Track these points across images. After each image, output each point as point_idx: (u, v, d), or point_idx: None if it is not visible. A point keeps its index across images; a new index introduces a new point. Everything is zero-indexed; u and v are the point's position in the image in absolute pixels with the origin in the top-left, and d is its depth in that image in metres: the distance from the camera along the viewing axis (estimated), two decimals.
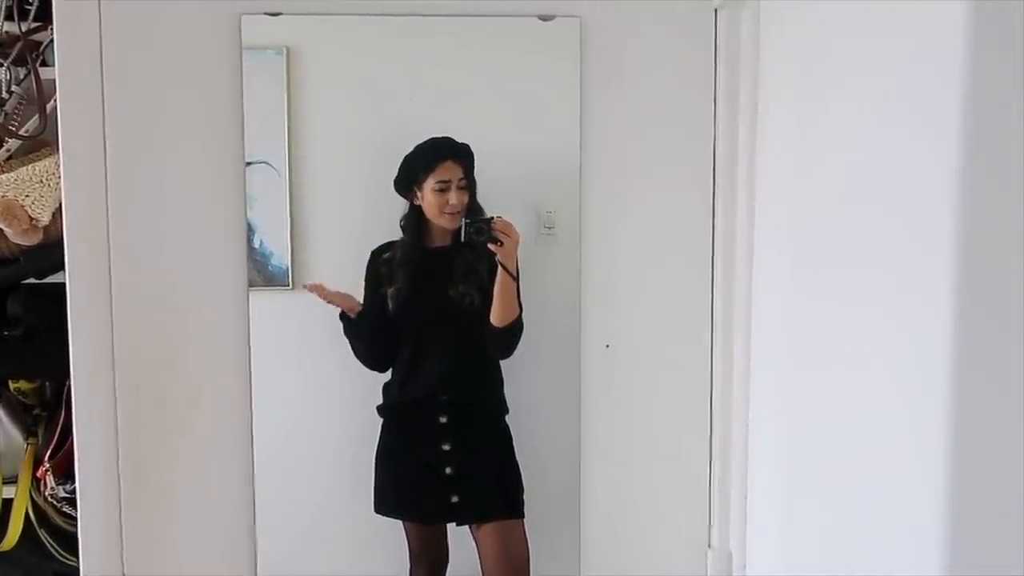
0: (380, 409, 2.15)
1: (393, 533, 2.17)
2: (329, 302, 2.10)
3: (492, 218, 2.06)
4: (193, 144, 2.08)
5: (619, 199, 2.16)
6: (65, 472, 2.31)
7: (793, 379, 1.94)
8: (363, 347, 2.13)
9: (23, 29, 2.25)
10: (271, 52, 2.07)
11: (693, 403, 2.22)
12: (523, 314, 2.12)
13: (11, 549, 2.38)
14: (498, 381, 2.17)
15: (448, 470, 2.14)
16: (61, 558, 2.44)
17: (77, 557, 2.19)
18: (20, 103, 2.32)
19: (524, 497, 2.17)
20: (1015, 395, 1.25)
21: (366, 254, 2.13)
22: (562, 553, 2.22)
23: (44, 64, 2.28)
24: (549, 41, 2.13)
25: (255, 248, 2.09)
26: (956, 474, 1.33)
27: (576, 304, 2.17)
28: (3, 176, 2.20)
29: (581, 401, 2.20)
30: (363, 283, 2.14)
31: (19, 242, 2.20)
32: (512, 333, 2.12)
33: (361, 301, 2.12)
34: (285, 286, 2.11)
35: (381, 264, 2.13)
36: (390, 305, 2.11)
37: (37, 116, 2.27)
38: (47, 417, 2.49)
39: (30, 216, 2.16)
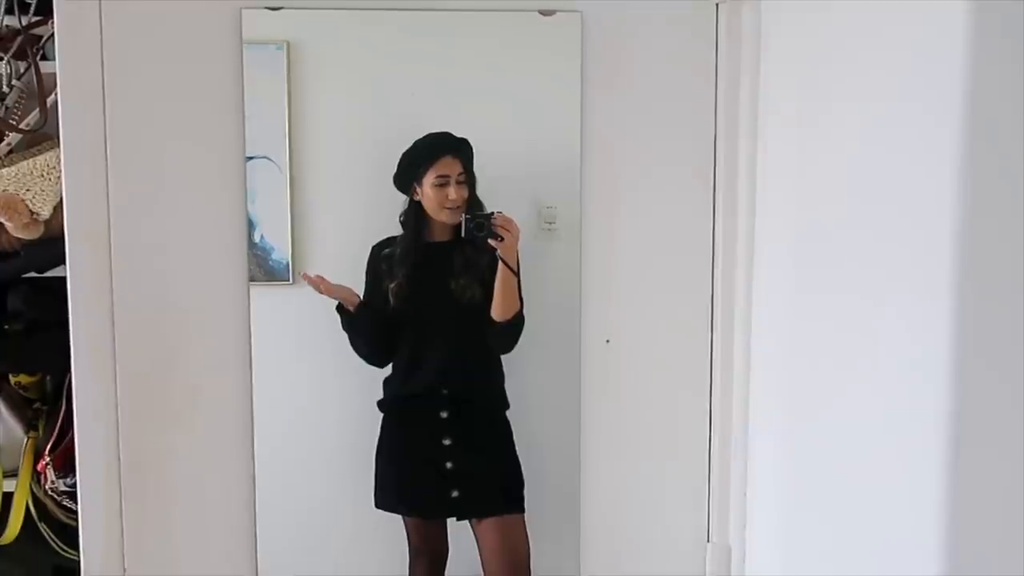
0: (381, 404, 2.16)
1: (393, 528, 2.18)
2: (328, 295, 2.11)
3: (492, 213, 2.07)
4: (194, 139, 2.08)
5: (620, 194, 2.17)
6: (65, 466, 2.31)
7: (793, 374, 1.94)
8: (362, 342, 2.14)
9: (23, 23, 2.25)
10: (271, 47, 2.08)
11: (693, 398, 2.23)
12: (524, 309, 2.12)
13: (11, 542, 2.38)
14: (499, 376, 2.18)
15: (448, 465, 2.14)
16: (61, 551, 2.44)
17: (77, 550, 2.19)
18: (21, 97, 2.32)
19: (524, 492, 2.17)
20: (1016, 392, 1.26)
21: (367, 249, 2.14)
22: (562, 547, 2.23)
23: (44, 58, 2.28)
24: (550, 36, 2.13)
25: (255, 243, 2.10)
26: (955, 471, 1.34)
27: (576, 300, 2.18)
28: (4, 170, 2.19)
29: (581, 396, 2.21)
30: (363, 278, 2.14)
31: (20, 236, 2.20)
32: (513, 328, 2.12)
33: (361, 295, 2.13)
34: (286, 281, 2.12)
35: (381, 260, 2.13)
36: (391, 300, 2.12)
37: (38, 110, 2.26)
38: (47, 411, 2.49)
39: (31, 210, 2.16)
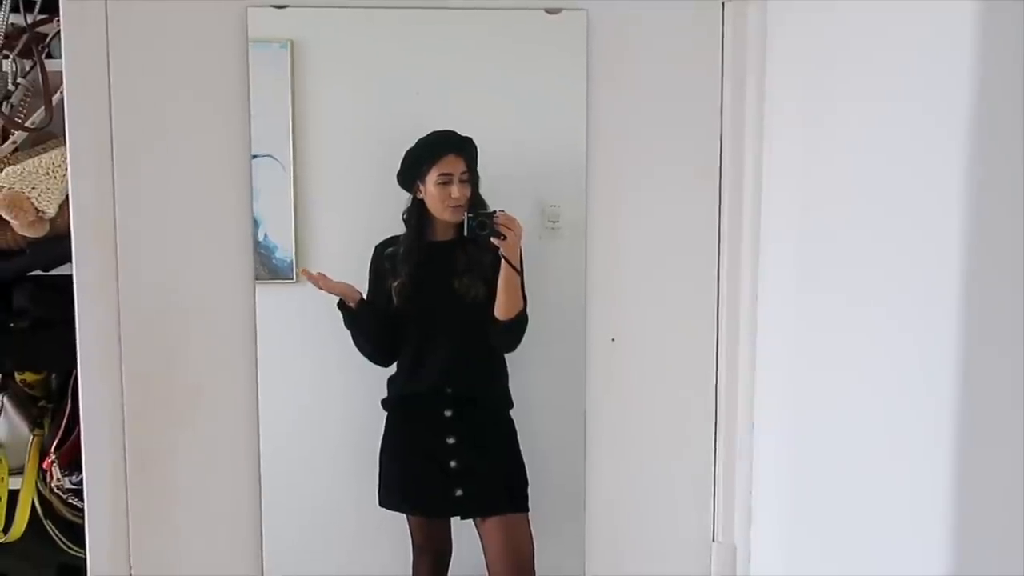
0: (385, 403, 2.17)
1: (397, 526, 2.18)
2: (328, 292, 2.11)
3: (495, 212, 2.07)
4: (199, 137, 2.09)
5: (625, 193, 2.17)
6: (71, 463, 2.32)
7: (798, 374, 1.95)
8: (364, 340, 2.15)
9: (29, 21, 2.26)
10: (275, 45, 2.08)
11: (698, 397, 2.23)
12: (527, 308, 2.12)
13: (17, 540, 2.39)
14: (503, 375, 2.18)
15: (452, 464, 2.15)
16: (67, 549, 2.44)
17: (83, 548, 2.20)
18: (26, 95, 2.32)
19: (529, 491, 2.17)
20: (1019, 393, 1.26)
21: (370, 248, 2.14)
22: (567, 546, 2.24)
23: (50, 56, 2.28)
24: (555, 34, 2.13)
25: (259, 241, 2.10)
26: (959, 471, 1.34)
27: (581, 298, 2.18)
28: (9, 168, 2.20)
29: (586, 395, 2.21)
30: (367, 277, 2.15)
31: (25, 234, 2.20)
32: (516, 326, 2.12)
33: (363, 293, 2.13)
34: (289, 279, 2.12)
35: (385, 259, 2.14)
36: (394, 299, 2.12)
37: (43, 108, 2.26)
38: (53, 409, 2.49)
39: (36, 208, 2.16)
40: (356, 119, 2.15)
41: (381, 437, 2.17)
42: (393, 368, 2.17)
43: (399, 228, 2.14)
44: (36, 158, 2.24)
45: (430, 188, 2.10)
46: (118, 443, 2.11)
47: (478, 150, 2.11)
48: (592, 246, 2.17)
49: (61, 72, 2.08)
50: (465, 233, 2.07)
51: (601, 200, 2.17)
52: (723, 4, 2.14)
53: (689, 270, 2.20)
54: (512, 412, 2.19)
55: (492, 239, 2.06)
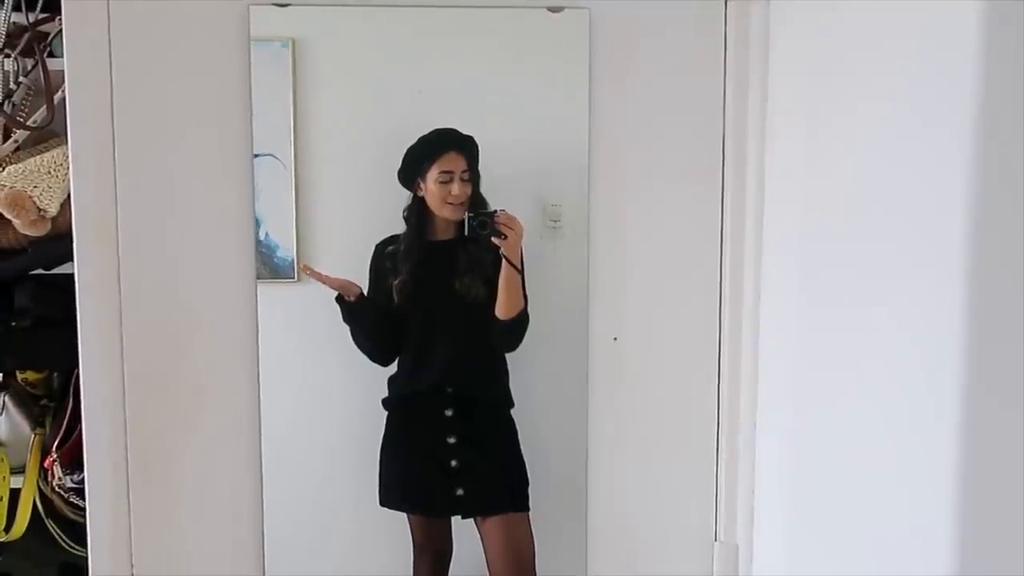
0: (385, 402, 2.17)
1: (398, 525, 2.19)
2: (329, 286, 2.12)
3: (495, 212, 2.08)
4: (201, 136, 2.10)
5: (627, 192, 2.18)
6: (72, 462, 2.33)
7: (801, 373, 1.95)
8: (364, 337, 2.15)
9: (31, 20, 2.26)
10: (277, 44, 2.09)
11: (701, 396, 2.24)
12: (529, 307, 2.13)
13: (19, 539, 2.39)
14: (504, 374, 2.18)
15: (453, 463, 2.15)
16: (68, 548, 2.44)
17: (84, 547, 2.21)
18: (28, 94, 2.33)
19: (530, 490, 2.18)
20: (1021, 393, 1.26)
21: (371, 247, 2.15)
22: (569, 546, 2.24)
23: (51, 55, 2.28)
24: (558, 33, 2.14)
25: (260, 240, 2.11)
26: (962, 472, 1.35)
27: (582, 297, 2.19)
28: (11, 167, 2.20)
29: (589, 394, 2.22)
30: (367, 276, 2.16)
31: (27, 233, 2.21)
32: (517, 326, 2.13)
33: (363, 288, 2.14)
34: (290, 278, 2.13)
35: (385, 257, 2.15)
36: (394, 298, 2.13)
37: (45, 107, 2.27)
38: (54, 408, 2.50)
39: (38, 207, 2.16)
40: (357, 118, 2.15)
41: (382, 436, 2.18)
42: (394, 367, 2.18)
43: (400, 227, 2.15)
44: (38, 157, 2.24)
45: (430, 186, 2.11)
46: (119, 442, 2.12)
47: (479, 149, 2.12)
48: (594, 245, 2.18)
49: (63, 71, 2.09)
50: (466, 232, 2.08)
51: (603, 199, 2.17)
52: (725, 3, 2.14)
53: (691, 269, 2.21)
54: (514, 412, 2.19)
55: (493, 238, 2.07)
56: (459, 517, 2.18)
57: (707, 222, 2.20)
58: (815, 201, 1.87)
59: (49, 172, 2.20)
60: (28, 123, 2.31)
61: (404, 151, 2.11)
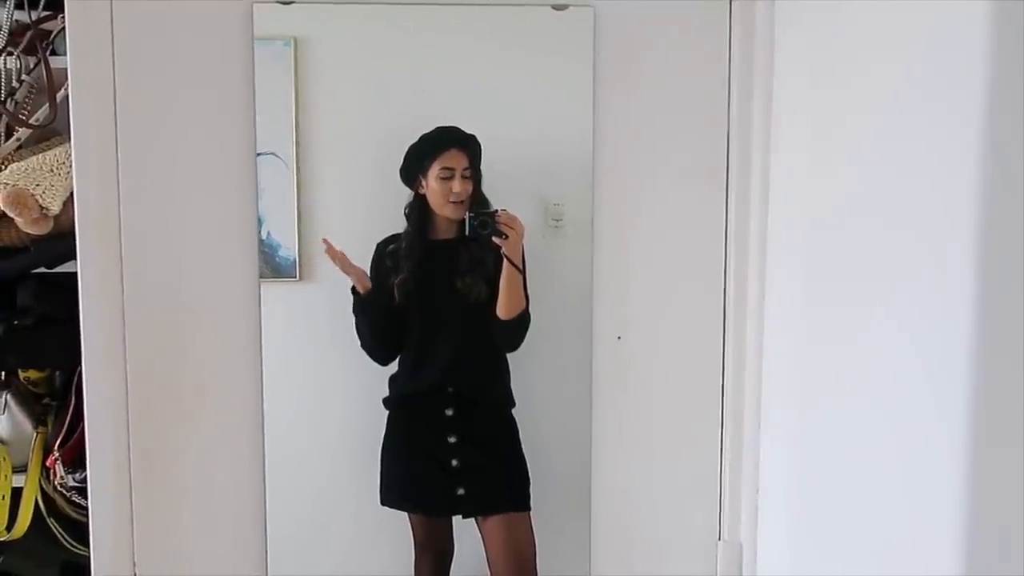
0: (386, 401, 2.18)
1: (399, 525, 2.20)
2: (345, 272, 2.13)
3: (496, 211, 2.09)
4: (205, 135, 2.11)
5: (632, 190, 2.18)
6: (74, 461, 2.33)
7: (805, 371, 1.96)
8: (367, 331, 2.16)
9: (33, 18, 2.27)
10: (279, 43, 2.10)
11: (705, 395, 2.25)
12: (531, 306, 2.14)
13: (21, 538, 2.40)
14: (505, 374, 2.19)
15: (454, 462, 2.17)
16: (70, 547, 2.45)
17: (86, 546, 2.23)
18: (30, 92, 2.33)
19: (533, 490, 2.19)
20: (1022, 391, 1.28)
21: (374, 246, 2.16)
22: (572, 544, 2.25)
23: (54, 53, 2.29)
24: (562, 31, 2.15)
25: (262, 240, 2.13)
26: (965, 471, 1.35)
27: (584, 296, 2.20)
28: (14, 165, 2.20)
29: (592, 393, 2.23)
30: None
31: (29, 231, 2.19)
32: (519, 325, 2.14)
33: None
34: (292, 278, 2.14)
35: (386, 256, 2.16)
36: (396, 296, 2.14)
37: (47, 105, 2.28)
38: (56, 406, 2.50)
39: (40, 205, 2.15)
40: (360, 117, 2.16)
41: (383, 436, 2.19)
42: (395, 367, 2.19)
43: (402, 226, 2.16)
44: (40, 155, 2.25)
45: (432, 183, 2.12)
46: (122, 441, 2.14)
47: (482, 147, 2.13)
48: (598, 244, 2.19)
49: (65, 69, 2.10)
50: (467, 232, 2.09)
51: (607, 197, 2.18)
52: (730, 2, 2.15)
53: (696, 268, 2.22)
54: (518, 411, 2.20)
55: (494, 238, 2.08)
56: (460, 517, 2.19)
57: (711, 221, 2.21)
58: (819, 200, 1.88)
59: (52, 170, 2.20)
60: (30, 121, 2.31)
61: (406, 150, 2.12)
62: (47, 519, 2.43)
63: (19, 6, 2.28)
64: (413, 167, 2.13)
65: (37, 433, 2.44)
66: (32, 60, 2.31)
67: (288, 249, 2.14)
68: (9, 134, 2.36)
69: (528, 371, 2.21)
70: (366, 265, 2.16)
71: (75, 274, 2.10)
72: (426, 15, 2.13)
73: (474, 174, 2.13)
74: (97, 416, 2.12)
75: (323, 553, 2.23)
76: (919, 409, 1.48)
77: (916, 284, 1.49)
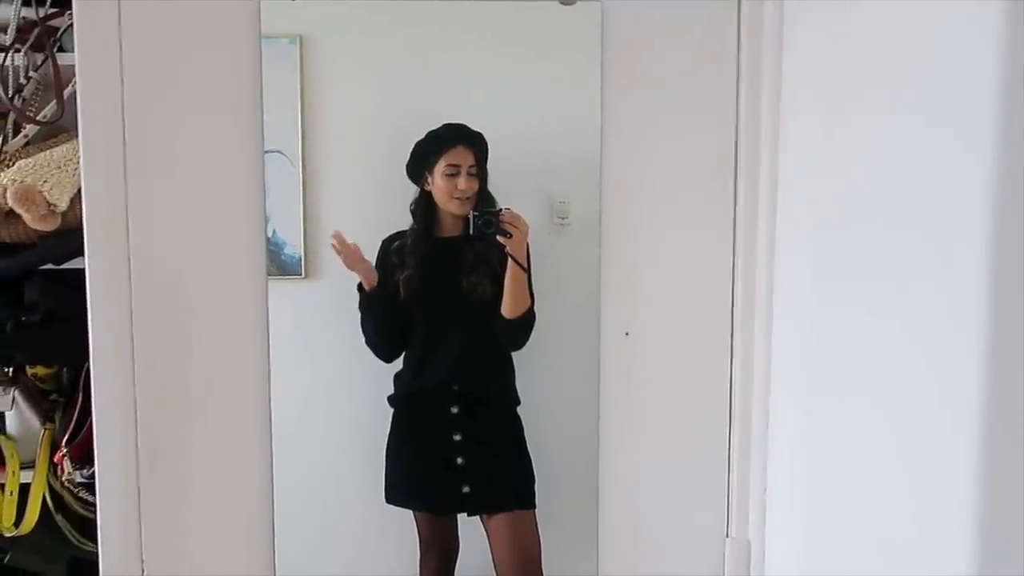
0: (391, 399, 2.19)
1: (404, 523, 2.21)
2: (351, 268, 2.14)
3: (500, 210, 2.11)
4: (212, 132, 2.12)
5: (640, 187, 2.19)
6: (82, 457, 2.37)
7: (813, 368, 1.97)
8: (373, 331, 2.17)
9: (40, 15, 2.30)
10: (284, 41, 2.11)
11: (713, 392, 2.25)
12: (537, 305, 2.15)
13: (28, 533, 2.42)
14: (510, 372, 2.20)
15: (459, 460, 2.18)
16: (78, 543, 2.48)
17: (94, 542, 2.25)
18: (37, 89, 2.36)
19: (539, 488, 2.20)
20: None
21: (379, 243, 2.17)
22: (579, 542, 2.26)
23: (61, 50, 2.32)
24: (569, 26, 2.15)
25: (268, 237, 2.13)
26: (976, 468, 1.36)
27: (590, 294, 2.20)
28: (21, 161, 2.23)
29: (600, 390, 2.23)
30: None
31: (37, 228, 2.22)
32: (523, 324, 2.15)
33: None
34: (298, 275, 2.15)
35: (392, 252, 2.16)
36: (401, 292, 2.15)
37: (54, 102, 2.30)
38: (64, 403, 2.53)
39: (48, 202, 2.17)
40: (366, 114, 2.17)
41: (387, 433, 2.20)
42: (400, 364, 2.19)
43: (408, 224, 2.17)
44: (48, 152, 2.27)
45: (437, 180, 2.13)
46: (130, 437, 2.14)
47: (488, 145, 2.14)
48: (607, 239, 2.19)
49: (72, 66, 2.11)
50: (471, 231, 2.11)
51: (616, 193, 2.19)
52: (739, 1, 2.15)
53: (704, 262, 2.22)
54: (525, 409, 2.21)
55: (498, 237, 2.09)
56: (465, 515, 2.21)
57: (720, 216, 2.21)
58: (828, 200, 1.88)
59: (59, 167, 2.22)
60: (38, 118, 2.34)
61: (412, 147, 2.13)
62: (55, 515, 2.46)
63: (26, 3, 2.30)
64: (419, 164, 2.14)
65: (45, 429, 2.47)
66: (39, 57, 2.33)
67: (294, 247, 2.14)
68: (17, 131, 2.39)
69: (535, 369, 2.21)
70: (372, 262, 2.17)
71: (82, 270, 2.10)
72: (432, 11, 2.13)
73: (480, 171, 2.14)
74: (105, 413, 2.13)
75: (329, 550, 2.24)
76: (929, 405, 1.49)
77: (925, 284, 1.49)
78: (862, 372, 1.74)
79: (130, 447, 2.15)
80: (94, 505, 2.22)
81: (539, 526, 2.21)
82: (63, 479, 2.39)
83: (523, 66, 2.18)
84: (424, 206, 2.16)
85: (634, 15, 2.16)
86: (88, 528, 2.43)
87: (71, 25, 2.17)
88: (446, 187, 2.13)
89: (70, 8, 2.09)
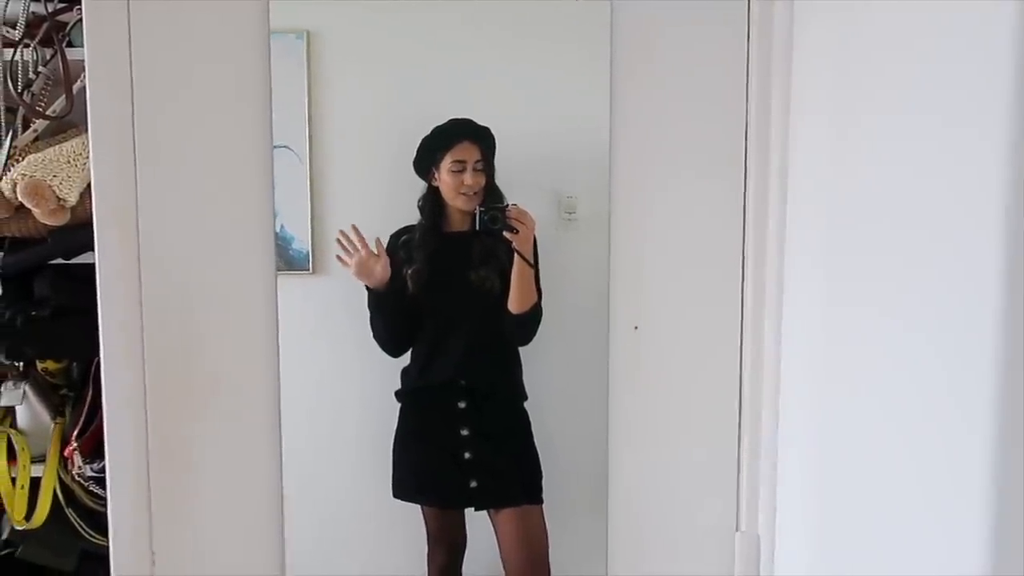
0: (399, 394, 2.21)
1: (411, 518, 2.23)
2: (360, 270, 2.15)
3: (506, 206, 2.12)
4: (221, 126, 2.13)
5: (649, 182, 2.19)
6: (92, 451, 2.39)
7: (824, 361, 1.97)
8: (381, 326, 2.18)
9: (49, 10, 2.32)
10: (291, 36, 2.12)
11: (722, 385, 2.26)
12: (544, 299, 2.17)
13: (39, 527, 2.44)
14: (517, 367, 2.22)
15: (467, 455, 2.20)
16: (88, 536, 2.51)
17: (104, 536, 2.27)
18: (47, 84, 2.37)
19: (549, 482, 2.22)
20: None
21: (387, 239, 2.17)
22: (589, 537, 2.27)
23: (70, 45, 2.34)
24: (579, 21, 2.16)
25: (276, 232, 2.14)
26: (989, 461, 1.36)
27: (598, 289, 2.21)
28: (31, 156, 2.25)
29: (609, 384, 2.24)
30: None
31: (46, 222, 2.24)
32: (530, 320, 2.17)
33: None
34: (306, 271, 2.17)
35: (400, 247, 2.17)
36: (409, 286, 2.17)
37: (63, 97, 2.33)
38: (74, 397, 2.56)
39: (57, 196, 2.20)
40: (373, 109, 2.18)
41: (395, 428, 2.22)
42: (407, 359, 2.21)
43: (416, 218, 2.19)
44: (57, 147, 2.28)
45: (444, 175, 2.15)
46: (140, 431, 2.16)
47: (496, 140, 2.15)
48: (616, 232, 2.19)
49: (81, 61, 2.13)
50: (477, 227, 2.12)
51: (625, 187, 2.19)
52: (748, 1, 2.15)
53: (714, 255, 2.22)
54: (534, 404, 2.23)
55: (504, 233, 2.11)
56: (473, 509, 2.23)
57: (729, 209, 2.21)
58: (838, 198, 1.88)
59: (68, 161, 2.24)
60: (47, 113, 2.35)
61: (419, 142, 2.14)
62: (65, 509, 2.49)
63: None
64: (426, 159, 2.15)
65: (55, 424, 2.50)
66: (48, 52, 2.35)
67: (301, 242, 2.16)
68: (26, 126, 2.40)
69: (544, 364, 2.23)
70: None
71: (92, 265, 2.11)
72: (441, 5, 2.14)
73: (486, 167, 2.15)
74: (115, 407, 2.14)
75: (336, 545, 2.26)
76: (941, 399, 1.49)
77: (937, 283, 1.49)
78: (873, 368, 1.73)
79: (140, 441, 2.16)
80: (104, 499, 2.24)
81: (548, 521, 2.23)
82: (73, 473, 2.41)
83: (532, 61, 2.19)
84: (431, 202, 2.18)
85: (644, 10, 2.16)
86: (98, 522, 2.46)
87: (80, 20, 2.18)
88: (452, 183, 2.15)
89: (79, 3, 2.11)
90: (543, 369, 2.24)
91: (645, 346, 2.25)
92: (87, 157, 2.15)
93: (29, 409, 2.50)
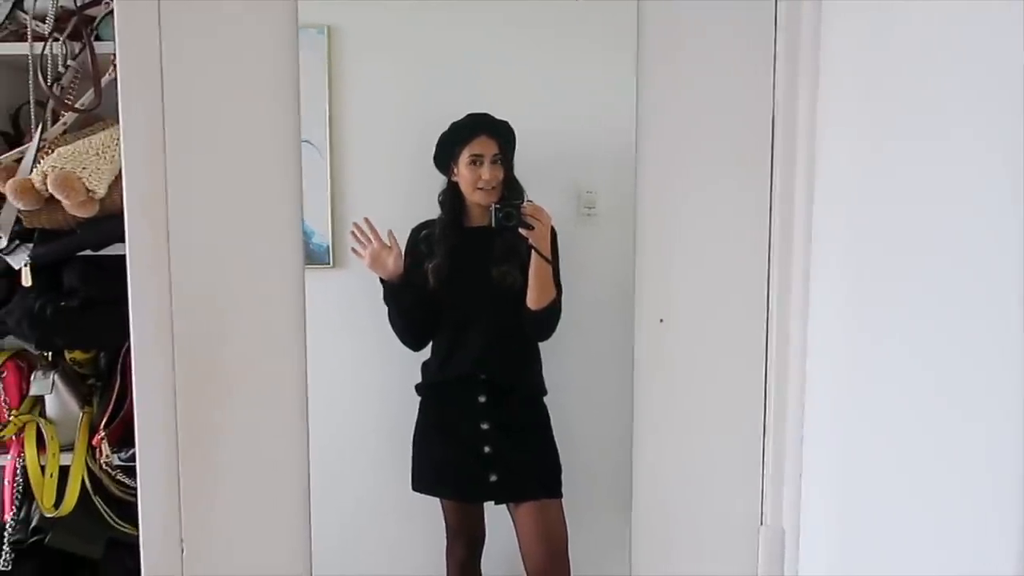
0: (419, 388, 2.24)
1: (431, 511, 2.26)
2: (374, 262, 2.19)
3: (522, 202, 2.14)
4: (249, 119, 2.17)
5: (675, 177, 2.21)
6: (120, 440, 2.42)
7: (850, 355, 1.97)
8: (401, 321, 2.21)
9: (78, 4, 2.35)
10: (313, 31, 2.14)
11: (748, 379, 2.27)
12: (565, 295, 2.19)
13: (68, 515, 2.47)
14: (536, 362, 2.24)
15: (487, 449, 2.23)
16: (116, 524, 2.53)
17: (131, 524, 2.32)
18: (75, 77, 2.40)
19: (572, 476, 2.24)
20: None
21: (407, 233, 2.20)
22: (613, 530, 2.29)
23: (99, 39, 2.36)
24: (605, 16, 2.17)
25: None
26: (1015, 464, 1.35)
27: (617, 283, 2.23)
28: (60, 148, 2.27)
29: (634, 377, 2.26)
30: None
31: (76, 214, 2.27)
32: (549, 316, 2.19)
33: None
34: (326, 264, 2.19)
35: (421, 241, 2.20)
36: (430, 280, 2.19)
37: (92, 90, 2.35)
38: (101, 387, 2.59)
39: (87, 188, 2.22)
40: (394, 104, 2.20)
41: (415, 422, 2.24)
42: (428, 353, 2.23)
43: (436, 213, 2.21)
44: (86, 139, 2.31)
45: (462, 169, 2.17)
46: (170, 421, 2.20)
47: (516, 134, 2.16)
48: (641, 227, 2.21)
49: (109, 54, 2.17)
50: (492, 224, 2.13)
51: (651, 182, 2.20)
52: (776, 2, 2.15)
53: (740, 248, 2.24)
54: (557, 398, 2.25)
55: (520, 229, 2.12)
56: (492, 503, 2.25)
57: (756, 202, 2.22)
58: (866, 184, 1.88)
59: (98, 154, 2.27)
60: (76, 106, 2.38)
61: (439, 137, 2.16)
62: (93, 497, 2.51)
63: None
64: (445, 154, 2.17)
65: (83, 413, 2.53)
66: (77, 45, 2.38)
67: (322, 236, 2.18)
68: (55, 119, 2.43)
69: (566, 358, 2.25)
70: None
71: (120, 256, 2.16)
72: (464, 5, 2.18)
73: (505, 160, 2.17)
74: (145, 397, 2.18)
75: (356, 538, 2.30)
76: (968, 393, 1.49)
77: (963, 283, 1.49)
78: (899, 364, 1.74)
79: (170, 430, 2.20)
80: (132, 488, 2.30)
81: (571, 518, 2.24)
82: (101, 462, 2.44)
83: (555, 58, 2.20)
84: (451, 196, 2.20)
85: (670, 6, 2.17)
86: (125, 510, 2.49)
87: (108, 14, 2.21)
88: (470, 177, 2.17)
89: None
90: (566, 363, 2.25)
91: (671, 339, 2.26)
92: (115, 149, 2.21)
93: (58, 398, 2.53)
